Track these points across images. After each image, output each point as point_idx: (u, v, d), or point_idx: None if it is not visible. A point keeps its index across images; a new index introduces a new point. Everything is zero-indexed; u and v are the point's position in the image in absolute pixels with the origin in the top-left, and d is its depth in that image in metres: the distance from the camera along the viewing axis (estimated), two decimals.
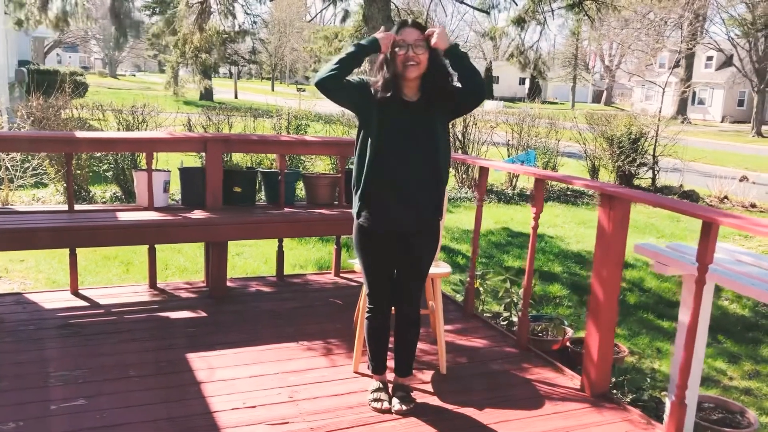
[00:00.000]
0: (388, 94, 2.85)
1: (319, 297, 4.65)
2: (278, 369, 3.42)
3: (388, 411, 3.04)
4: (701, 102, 47.25)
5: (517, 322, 4.71)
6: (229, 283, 4.68)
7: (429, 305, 3.62)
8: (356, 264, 3.24)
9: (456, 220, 8.80)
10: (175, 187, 5.63)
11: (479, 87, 2.90)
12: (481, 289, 5.04)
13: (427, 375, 3.44)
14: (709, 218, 2.62)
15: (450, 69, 2.94)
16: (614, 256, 3.13)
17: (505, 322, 4.75)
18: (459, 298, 5.16)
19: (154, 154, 4.50)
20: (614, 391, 3.52)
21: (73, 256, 4.34)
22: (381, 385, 3.19)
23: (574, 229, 9.31)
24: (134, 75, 70.73)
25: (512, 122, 12.80)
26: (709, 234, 2.64)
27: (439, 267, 3.54)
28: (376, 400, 3.10)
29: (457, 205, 10.21)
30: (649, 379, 4.22)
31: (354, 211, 3.01)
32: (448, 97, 2.91)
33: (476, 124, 12.06)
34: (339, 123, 12.26)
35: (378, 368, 3.24)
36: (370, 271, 3.04)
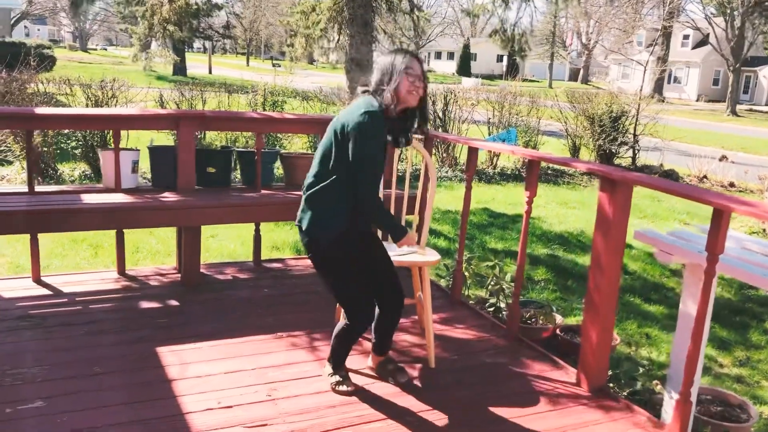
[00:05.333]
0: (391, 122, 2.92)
1: (298, 284, 4.42)
2: (256, 364, 3.20)
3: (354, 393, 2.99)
4: (677, 81, 47.49)
5: (504, 308, 4.54)
6: (202, 270, 4.42)
7: (416, 295, 3.42)
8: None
9: (437, 200, 8.59)
10: (147, 167, 5.35)
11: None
12: (466, 274, 4.85)
13: (415, 370, 3.25)
14: (721, 205, 2.44)
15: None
16: (615, 243, 2.94)
17: (491, 309, 4.58)
18: (443, 283, 4.97)
19: (123, 132, 4.21)
20: (611, 384, 3.36)
21: (34, 241, 4.05)
22: (344, 374, 3.08)
23: (556, 209, 9.17)
24: (105, 49, 69.14)
25: (493, 100, 12.59)
26: (720, 222, 2.46)
27: (427, 254, 3.33)
28: (339, 383, 3.02)
29: (438, 184, 10.02)
30: (641, 369, 4.09)
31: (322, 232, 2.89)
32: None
33: (457, 102, 11.84)
34: (317, 99, 11.96)
35: (342, 364, 3.12)
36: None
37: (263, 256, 4.93)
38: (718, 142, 19.69)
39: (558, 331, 4.27)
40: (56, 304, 3.82)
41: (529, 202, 3.51)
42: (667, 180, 2.68)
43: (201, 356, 3.25)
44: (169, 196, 4.12)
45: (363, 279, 2.96)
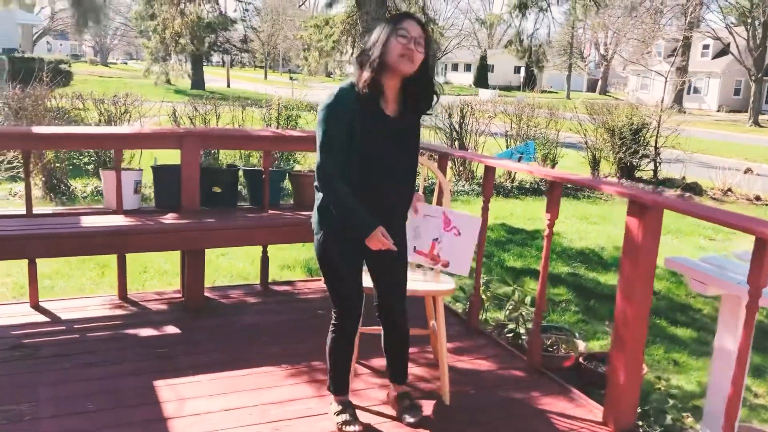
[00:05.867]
0: (368, 97, 2.55)
1: (306, 308, 4.21)
2: (258, 399, 2.99)
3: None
4: (697, 91, 46.86)
5: (524, 334, 4.31)
6: (207, 293, 4.24)
7: (429, 325, 3.20)
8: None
9: None
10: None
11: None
12: (483, 297, 4.63)
13: (429, 406, 3.02)
14: (765, 234, 2.20)
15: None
16: (644, 271, 2.71)
17: (510, 334, 4.34)
18: (459, 306, 4.75)
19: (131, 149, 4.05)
20: (640, 423, 3.11)
21: (32, 266, 3.89)
22: (346, 405, 2.85)
23: (576, 224, 8.90)
24: (126, 63, 69.86)
25: (510, 112, 12.36)
26: (764, 252, 2.22)
27: (441, 282, 3.11)
28: (346, 422, 2.76)
29: (454, 199, 9.79)
30: (670, 401, 3.83)
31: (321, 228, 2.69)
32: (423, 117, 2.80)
33: (473, 115, 11.62)
34: None
35: (344, 388, 2.89)
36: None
37: (273, 276, 4.73)
38: (741, 153, 19.26)
39: (581, 360, 4.02)
40: (52, 333, 3.64)
41: (551, 225, 3.28)
42: (703, 205, 2.45)
43: (200, 391, 3.05)
44: (171, 218, 3.95)
45: (358, 279, 2.75)
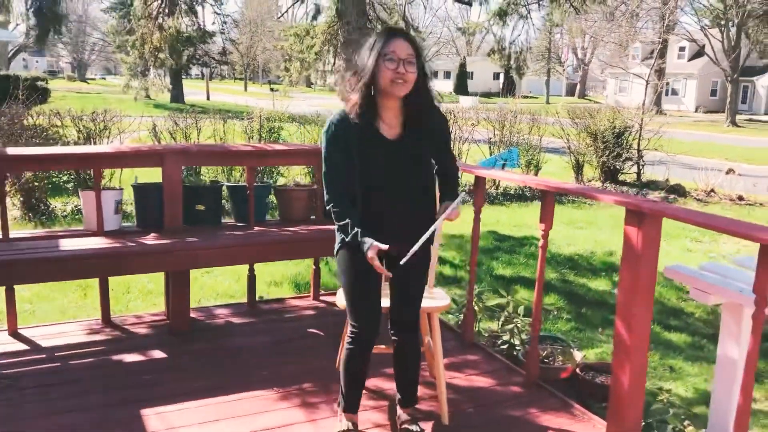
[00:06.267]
0: (363, 122, 2.50)
1: (297, 328, 4.10)
2: (250, 426, 2.87)
3: None
4: (675, 93, 47.38)
5: (518, 345, 4.23)
6: (193, 314, 4.11)
7: (425, 342, 3.11)
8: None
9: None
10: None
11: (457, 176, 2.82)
12: (476, 308, 4.55)
13: (428, 427, 2.92)
14: None
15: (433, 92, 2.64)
16: (645, 281, 2.64)
17: (505, 346, 4.26)
18: (451, 318, 4.66)
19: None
20: None
21: (10, 292, 3.75)
22: (351, 426, 2.76)
23: (563, 230, 8.86)
24: (104, 78, 69.34)
25: (493, 119, 12.33)
26: None
27: (435, 298, 3.02)
28: None
29: None
30: (671, 410, 3.76)
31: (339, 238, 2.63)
32: (434, 130, 2.65)
33: (457, 122, 11.58)
34: (314, 124, 11.70)
35: (354, 407, 2.80)
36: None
37: (261, 292, 4.61)
38: (722, 153, 19.41)
39: (578, 371, 3.95)
40: (33, 362, 3.50)
41: (545, 236, 3.20)
42: (704, 213, 2.39)
43: (189, 419, 2.93)
44: (154, 239, 3.82)
45: (374, 290, 2.65)
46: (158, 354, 3.64)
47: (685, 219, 2.39)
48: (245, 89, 53.57)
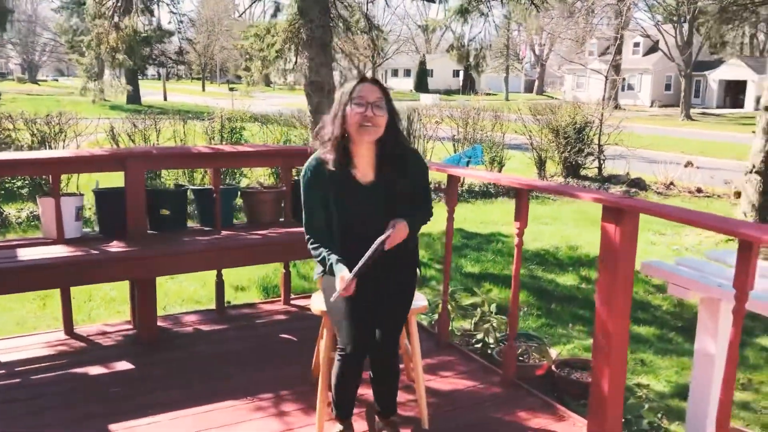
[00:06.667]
0: (338, 169, 2.59)
1: (268, 333, 4.00)
2: None
3: None
4: (631, 88, 48.27)
5: (492, 344, 4.21)
6: (160, 323, 3.98)
7: (403, 345, 3.05)
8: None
9: None
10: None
11: (429, 217, 2.83)
12: (449, 307, 4.52)
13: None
14: (750, 236, 2.14)
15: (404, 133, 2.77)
16: (623, 277, 2.63)
17: (479, 345, 4.24)
18: (424, 319, 4.62)
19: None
20: None
21: None
22: (345, 428, 2.74)
23: (529, 226, 8.79)
24: (57, 80, 67.65)
25: (457, 117, 12.36)
26: (749, 255, 2.16)
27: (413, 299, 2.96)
28: None
29: None
30: (646, 405, 3.78)
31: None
32: (411, 176, 2.71)
33: (420, 120, 11.57)
34: (276, 123, 11.56)
35: (346, 413, 2.77)
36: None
37: (227, 297, 4.50)
38: (678, 147, 19.82)
39: (554, 368, 3.95)
40: None
41: (520, 234, 3.19)
42: (685, 209, 2.38)
43: None
44: (117, 246, 3.69)
45: (357, 309, 2.62)
46: (125, 365, 3.51)
47: (663, 215, 2.39)
48: (203, 89, 52.83)
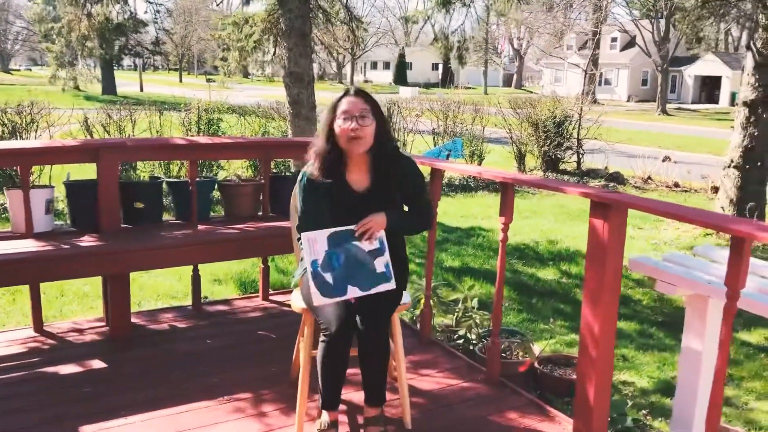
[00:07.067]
0: (332, 178, 2.64)
1: (246, 331, 3.90)
2: None
3: None
4: (608, 82, 48.63)
5: (474, 340, 4.16)
6: (134, 320, 3.86)
7: None
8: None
9: None
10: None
11: (425, 225, 2.89)
12: (431, 302, 4.45)
13: None
14: (742, 232, 2.09)
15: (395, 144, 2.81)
16: (612, 273, 2.58)
17: (461, 341, 4.19)
18: (405, 314, 4.55)
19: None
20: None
21: None
22: (330, 423, 2.67)
23: None
24: (29, 69, 66.44)
25: (437, 110, 12.31)
26: (741, 252, 2.11)
27: None
28: None
29: None
30: (630, 402, 3.75)
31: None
32: (405, 181, 2.74)
33: (401, 113, 11.50)
34: (254, 115, 11.39)
35: (332, 404, 2.70)
36: None
37: (204, 292, 4.39)
38: (655, 141, 19.98)
39: (537, 364, 3.90)
40: None
41: (505, 230, 3.12)
42: (675, 204, 2.33)
43: None
44: (90, 240, 3.56)
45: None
46: (98, 364, 3.39)
47: (652, 210, 2.33)
48: (180, 80, 52.20)
